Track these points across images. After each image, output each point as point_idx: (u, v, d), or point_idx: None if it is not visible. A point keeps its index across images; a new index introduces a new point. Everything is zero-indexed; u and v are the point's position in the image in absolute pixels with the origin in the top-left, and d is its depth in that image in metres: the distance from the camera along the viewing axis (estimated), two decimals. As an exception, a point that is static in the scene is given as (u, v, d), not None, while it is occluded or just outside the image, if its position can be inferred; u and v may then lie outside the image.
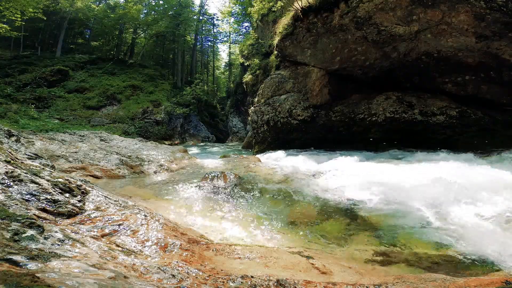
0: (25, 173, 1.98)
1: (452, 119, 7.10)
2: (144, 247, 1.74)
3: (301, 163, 6.63)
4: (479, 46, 6.18)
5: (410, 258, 2.22)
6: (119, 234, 1.80)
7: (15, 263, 0.95)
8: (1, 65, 18.77)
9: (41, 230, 1.33)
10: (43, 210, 1.74)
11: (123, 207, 2.23)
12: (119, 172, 5.40)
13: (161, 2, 28.76)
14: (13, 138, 5.04)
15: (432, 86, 7.68)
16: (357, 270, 1.94)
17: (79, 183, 2.34)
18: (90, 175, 4.87)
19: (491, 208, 2.99)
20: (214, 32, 37.11)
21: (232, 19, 32.54)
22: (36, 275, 0.82)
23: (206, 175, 4.70)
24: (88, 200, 2.16)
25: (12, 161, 2.14)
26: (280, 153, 8.69)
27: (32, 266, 0.97)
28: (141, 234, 1.87)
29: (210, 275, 1.43)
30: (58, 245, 1.29)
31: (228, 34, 35.28)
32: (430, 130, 7.33)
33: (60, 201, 1.91)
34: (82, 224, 1.81)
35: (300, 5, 8.34)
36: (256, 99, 11.37)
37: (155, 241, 1.82)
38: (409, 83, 8.12)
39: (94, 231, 1.74)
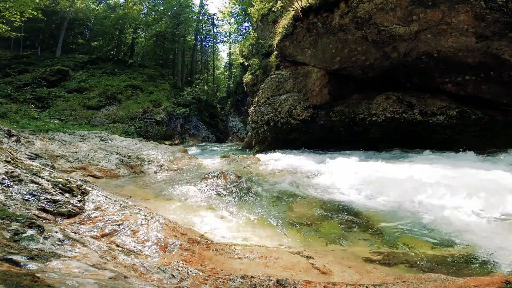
0: (25, 173, 1.98)
1: (452, 119, 7.10)
2: (144, 247, 1.74)
3: (301, 163, 6.64)
4: (479, 46, 6.18)
5: (410, 258, 2.22)
6: (119, 234, 1.80)
7: (15, 263, 0.95)
8: (1, 65, 18.76)
9: (41, 230, 1.33)
10: (43, 210, 1.74)
11: (123, 207, 2.23)
12: (119, 172, 5.40)
13: (161, 2, 28.76)
14: (13, 138, 5.04)
15: (432, 86, 7.68)
16: (357, 270, 1.93)
17: (79, 183, 2.34)
18: (90, 175, 4.87)
19: (491, 208, 3.00)
20: (214, 32, 37.16)
21: (232, 19, 32.59)
22: (36, 275, 0.82)
23: (206, 175, 4.70)
24: (88, 200, 2.16)
25: (12, 161, 2.14)
26: (280, 153, 8.70)
27: (32, 266, 0.97)
28: (141, 234, 1.87)
29: (210, 275, 1.43)
30: (58, 245, 1.29)
31: (228, 34, 35.34)
32: (430, 130, 7.33)
33: (60, 201, 1.91)
34: (82, 224, 1.81)
35: (300, 5, 8.34)
36: (256, 99, 11.37)
37: (155, 241, 1.82)
38: (409, 83, 8.12)
39: (94, 231, 1.74)
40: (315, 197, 3.90)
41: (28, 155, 3.85)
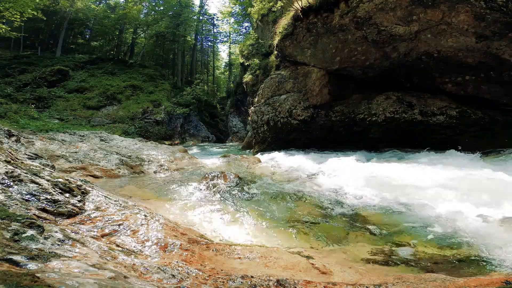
0: (25, 173, 1.98)
1: (452, 119, 7.10)
2: (144, 247, 1.74)
3: (301, 163, 6.64)
4: (479, 46, 6.18)
5: (410, 258, 2.22)
6: (119, 234, 1.80)
7: (15, 263, 0.95)
8: (1, 65, 18.76)
9: (41, 230, 1.33)
10: (43, 210, 1.74)
11: (123, 207, 2.23)
12: (119, 172, 5.40)
13: (161, 2, 28.76)
14: (13, 138, 5.04)
15: (432, 86, 7.68)
16: (357, 270, 1.93)
17: (79, 183, 2.34)
18: (90, 175, 4.87)
19: (491, 208, 2.99)
20: (214, 32, 37.16)
21: (232, 19, 32.60)
22: (36, 275, 0.82)
23: (206, 175, 4.70)
24: (88, 200, 2.16)
25: (12, 161, 2.14)
26: (280, 153, 8.70)
27: (32, 266, 0.97)
28: (141, 234, 1.87)
29: (210, 275, 1.42)
30: (58, 245, 1.29)
31: (228, 34, 35.35)
32: (430, 130, 7.33)
33: (60, 201, 1.90)
34: (82, 224, 1.81)
35: (300, 5, 8.34)
36: (256, 99, 11.37)
37: (155, 241, 1.82)
38: (409, 83, 8.12)
39: (94, 231, 1.74)
40: (315, 197, 3.90)
41: (28, 155, 3.85)
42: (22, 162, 2.33)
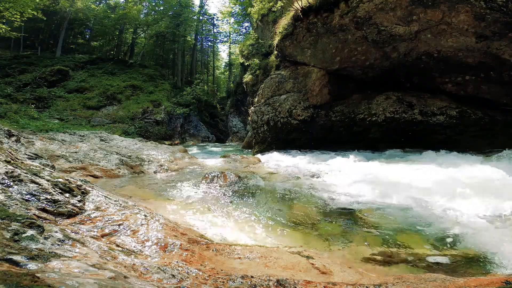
0: (25, 173, 1.98)
1: (452, 119, 7.10)
2: (144, 247, 1.74)
3: (301, 163, 6.64)
4: (479, 46, 6.18)
5: (410, 258, 2.22)
6: (119, 234, 1.80)
7: (15, 263, 0.95)
8: (1, 65, 18.77)
9: (41, 230, 1.33)
10: (43, 210, 1.74)
11: (123, 207, 2.23)
12: (119, 172, 5.40)
13: (161, 2, 28.77)
14: (13, 138, 5.04)
15: (432, 86, 7.68)
16: (357, 270, 1.93)
17: (79, 183, 2.34)
18: (90, 175, 4.87)
19: (491, 207, 2.99)
20: (214, 32, 37.17)
21: (232, 19, 32.61)
22: (36, 275, 0.82)
23: (206, 175, 4.70)
24: (88, 200, 2.16)
25: (12, 161, 2.14)
26: (280, 153, 8.71)
27: (32, 266, 0.97)
28: (141, 234, 1.87)
29: (210, 275, 1.42)
30: (58, 245, 1.29)
31: (228, 34, 35.37)
32: (430, 130, 7.33)
33: (60, 201, 1.90)
34: (82, 224, 1.81)
35: (300, 5, 8.34)
36: (256, 99, 11.37)
37: (155, 241, 1.82)
38: (409, 83, 8.12)
39: (94, 231, 1.74)
40: (315, 197, 3.90)
41: (28, 155, 3.85)
42: (22, 162, 2.33)
